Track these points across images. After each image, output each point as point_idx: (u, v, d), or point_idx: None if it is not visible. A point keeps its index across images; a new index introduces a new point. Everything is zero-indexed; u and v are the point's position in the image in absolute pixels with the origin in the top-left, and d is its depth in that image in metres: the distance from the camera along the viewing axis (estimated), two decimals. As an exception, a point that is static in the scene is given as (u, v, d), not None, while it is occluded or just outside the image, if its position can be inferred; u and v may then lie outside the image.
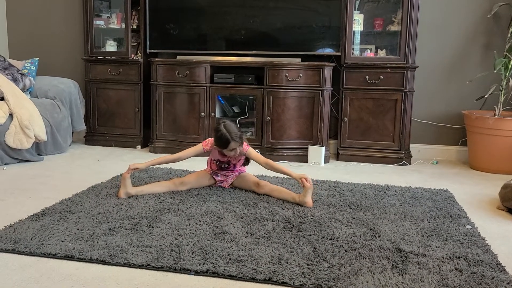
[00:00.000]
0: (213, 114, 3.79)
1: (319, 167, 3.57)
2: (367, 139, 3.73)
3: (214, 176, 2.80)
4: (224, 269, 1.69)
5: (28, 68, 4.08)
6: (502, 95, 3.53)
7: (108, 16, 4.26)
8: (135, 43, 4.18)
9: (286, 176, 3.12)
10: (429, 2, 3.82)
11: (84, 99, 4.22)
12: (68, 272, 1.67)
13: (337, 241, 1.98)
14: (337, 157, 3.81)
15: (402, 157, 3.68)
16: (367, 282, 1.61)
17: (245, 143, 2.65)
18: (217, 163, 2.75)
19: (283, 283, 1.61)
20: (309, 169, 3.47)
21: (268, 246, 1.90)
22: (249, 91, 3.76)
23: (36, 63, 4.16)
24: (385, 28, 3.78)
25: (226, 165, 2.75)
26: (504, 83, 3.52)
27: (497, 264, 1.78)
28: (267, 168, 2.63)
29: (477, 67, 3.83)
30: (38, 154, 3.61)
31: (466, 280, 1.64)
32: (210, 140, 2.67)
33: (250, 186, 2.74)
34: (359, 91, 3.70)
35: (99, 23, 4.20)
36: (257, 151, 2.79)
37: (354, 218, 2.29)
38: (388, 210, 2.42)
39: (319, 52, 3.81)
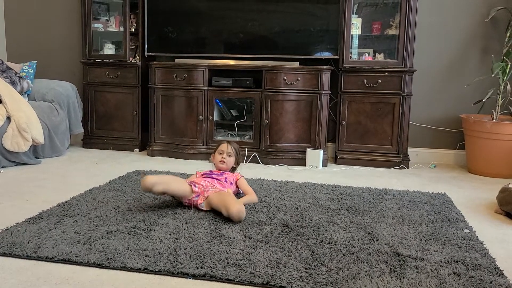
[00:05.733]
0: (211, 117, 3.79)
1: (317, 170, 3.56)
2: (365, 143, 3.73)
3: (192, 186, 2.38)
4: (221, 273, 1.68)
5: (26, 71, 4.07)
6: (500, 99, 3.54)
7: (106, 19, 4.26)
8: (133, 46, 4.18)
9: (284, 180, 3.13)
10: (427, 6, 3.83)
11: (82, 102, 4.21)
12: (65, 276, 1.66)
13: (335, 245, 1.97)
14: (335, 160, 3.81)
15: (400, 160, 3.68)
16: (365, 286, 1.61)
17: (239, 173, 2.68)
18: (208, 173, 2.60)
19: (281, 287, 1.60)
20: (307, 172, 3.47)
21: (266, 249, 1.90)
22: (247, 94, 3.76)
23: (34, 66, 4.15)
24: (383, 32, 3.79)
25: (217, 174, 2.58)
26: (502, 87, 3.52)
27: (495, 268, 1.78)
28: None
29: (475, 71, 3.84)
30: (36, 157, 3.60)
31: (464, 284, 1.64)
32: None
33: (220, 206, 2.29)
34: (357, 94, 3.70)
35: (98, 26, 4.20)
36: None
37: (352, 221, 2.28)
38: (386, 214, 2.41)
39: (317, 55, 3.81)
